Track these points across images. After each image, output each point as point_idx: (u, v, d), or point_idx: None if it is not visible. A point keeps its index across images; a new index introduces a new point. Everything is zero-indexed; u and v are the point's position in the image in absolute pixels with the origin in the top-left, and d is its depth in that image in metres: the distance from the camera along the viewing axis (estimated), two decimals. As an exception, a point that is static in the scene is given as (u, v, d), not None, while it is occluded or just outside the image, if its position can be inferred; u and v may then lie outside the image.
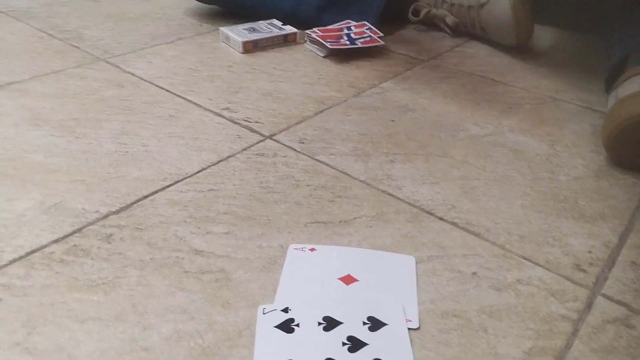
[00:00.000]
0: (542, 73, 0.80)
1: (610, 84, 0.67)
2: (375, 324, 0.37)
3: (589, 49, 0.91)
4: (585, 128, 0.65)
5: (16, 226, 0.44)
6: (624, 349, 0.37)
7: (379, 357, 0.34)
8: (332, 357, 0.34)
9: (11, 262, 0.40)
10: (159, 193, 0.49)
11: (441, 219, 0.49)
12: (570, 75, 0.80)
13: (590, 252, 0.46)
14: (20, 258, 0.41)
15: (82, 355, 0.34)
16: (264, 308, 0.38)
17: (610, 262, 0.45)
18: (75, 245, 0.42)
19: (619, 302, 0.41)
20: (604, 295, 0.41)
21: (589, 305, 0.40)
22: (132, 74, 0.72)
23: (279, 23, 0.88)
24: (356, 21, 0.87)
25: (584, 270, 0.44)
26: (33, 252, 0.41)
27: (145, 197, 0.49)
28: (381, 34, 0.85)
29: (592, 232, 0.48)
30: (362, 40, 0.83)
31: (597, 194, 0.53)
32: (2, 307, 0.37)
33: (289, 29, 0.86)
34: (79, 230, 0.44)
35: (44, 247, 0.42)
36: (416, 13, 0.95)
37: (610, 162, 0.58)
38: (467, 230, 0.47)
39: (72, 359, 0.33)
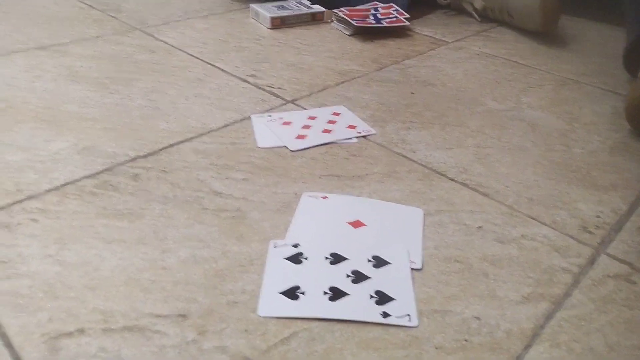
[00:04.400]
0: (566, 58, 0.81)
1: (629, 60, 0.68)
2: (379, 262, 0.39)
3: (615, 39, 0.90)
4: (605, 109, 0.66)
5: (52, 162, 0.47)
6: (622, 301, 0.38)
7: (381, 289, 0.36)
8: (336, 286, 0.36)
9: (47, 191, 0.44)
10: (185, 143, 0.52)
11: (452, 179, 0.50)
12: (594, 61, 0.80)
13: (598, 216, 0.47)
14: (55, 188, 0.44)
15: (105, 269, 0.37)
16: (275, 242, 0.40)
17: (618, 226, 0.46)
18: (105, 181, 0.46)
19: (622, 261, 0.42)
20: (608, 254, 0.42)
21: (591, 262, 0.41)
22: (165, 42, 0.76)
23: (307, 2, 0.90)
24: (384, 3, 0.89)
25: (590, 232, 0.45)
26: (67, 184, 0.45)
27: (172, 145, 0.52)
28: (407, 16, 0.86)
29: (602, 200, 0.49)
30: (387, 20, 0.85)
31: (611, 167, 0.54)
32: (38, 226, 0.40)
33: (317, 7, 0.88)
34: (109, 169, 0.47)
35: (76, 180, 0.45)
36: (444, -2, 0.96)
37: (627, 139, 0.58)
38: (477, 191, 0.49)
39: (97, 271, 0.36)
